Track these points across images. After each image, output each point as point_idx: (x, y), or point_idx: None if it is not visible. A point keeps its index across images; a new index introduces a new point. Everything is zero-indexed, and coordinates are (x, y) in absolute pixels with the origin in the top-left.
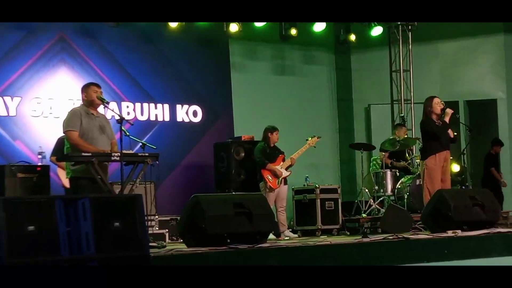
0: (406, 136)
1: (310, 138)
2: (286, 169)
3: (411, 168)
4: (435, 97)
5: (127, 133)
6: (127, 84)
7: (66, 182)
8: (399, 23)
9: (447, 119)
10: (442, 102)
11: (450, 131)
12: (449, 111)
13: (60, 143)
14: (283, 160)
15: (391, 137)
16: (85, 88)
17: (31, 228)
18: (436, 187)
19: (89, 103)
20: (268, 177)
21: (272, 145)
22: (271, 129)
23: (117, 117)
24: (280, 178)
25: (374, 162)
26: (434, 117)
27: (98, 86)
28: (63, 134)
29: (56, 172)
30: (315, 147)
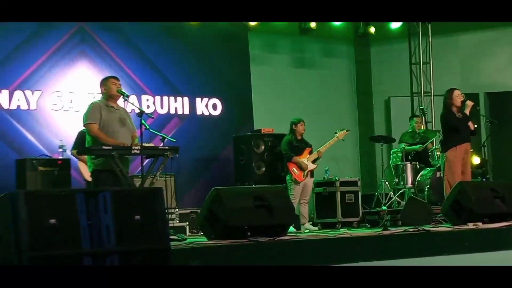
0: (421, 128)
1: (339, 131)
2: (313, 162)
3: (431, 161)
4: (455, 89)
5: (147, 127)
6: (147, 76)
7: (87, 176)
8: None
9: (467, 111)
10: (463, 94)
11: (470, 124)
12: (469, 103)
13: (80, 136)
14: (310, 153)
15: (409, 130)
16: (104, 81)
17: (52, 221)
18: (456, 179)
19: (109, 96)
20: (294, 170)
21: (299, 137)
22: (296, 121)
23: (137, 111)
24: (306, 171)
25: (394, 154)
26: (454, 109)
27: (117, 79)
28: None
29: (77, 165)
30: (343, 140)
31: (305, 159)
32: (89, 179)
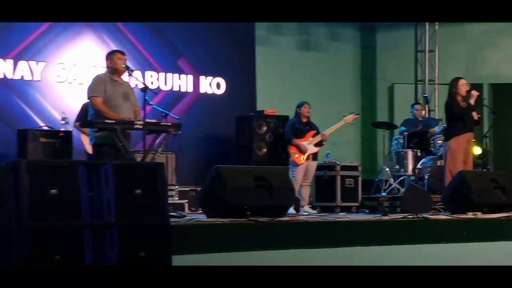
0: (422, 115)
1: (347, 115)
2: (318, 144)
3: (432, 149)
4: (461, 78)
5: (151, 102)
6: (153, 51)
7: (89, 148)
8: None
9: (472, 101)
10: (468, 84)
11: (474, 113)
12: (474, 93)
13: (84, 109)
14: (314, 136)
15: (411, 118)
16: (110, 55)
17: (53, 191)
18: (458, 168)
19: (114, 71)
20: (293, 152)
21: (304, 120)
22: (299, 104)
23: (141, 86)
24: (306, 154)
25: (396, 141)
26: (459, 98)
27: (123, 53)
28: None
29: (80, 138)
30: (352, 124)
31: (307, 142)
32: (91, 151)
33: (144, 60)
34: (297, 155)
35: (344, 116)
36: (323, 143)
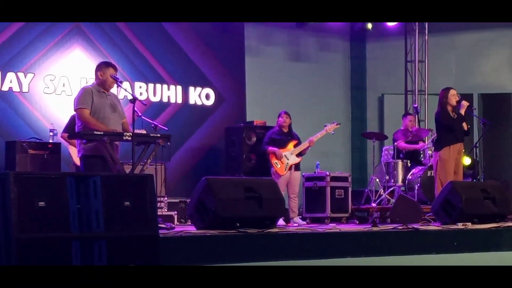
0: (414, 126)
1: (328, 124)
2: (299, 155)
3: (422, 159)
4: (451, 88)
5: (139, 114)
6: (141, 63)
7: (78, 160)
8: None
9: (462, 111)
10: (458, 94)
11: (464, 124)
12: (465, 103)
13: (73, 120)
14: (295, 146)
15: (402, 128)
16: (103, 68)
17: (41, 203)
18: (448, 178)
19: (103, 83)
20: (276, 163)
21: (285, 130)
22: (279, 114)
23: (130, 97)
24: (287, 164)
25: (385, 152)
26: (449, 108)
27: (115, 69)
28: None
29: (67, 149)
30: (333, 133)
31: (289, 152)
32: (79, 163)
33: (133, 71)
34: (279, 166)
35: (325, 126)
36: (303, 153)
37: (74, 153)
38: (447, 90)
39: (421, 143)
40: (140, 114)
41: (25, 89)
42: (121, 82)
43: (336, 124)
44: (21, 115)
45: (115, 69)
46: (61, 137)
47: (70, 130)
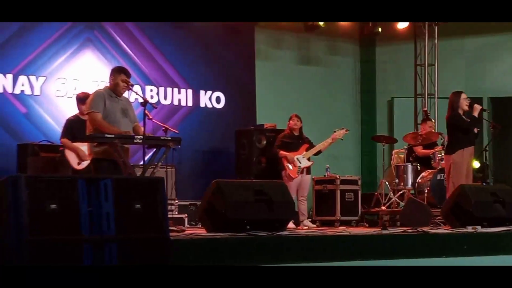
0: (431, 130)
1: (337, 130)
2: (321, 151)
3: (432, 163)
4: (462, 92)
5: (150, 117)
6: (153, 66)
7: (75, 164)
8: None
9: (476, 114)
10: (468, 98)
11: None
12: (477, 106)
13: (69, 123)
14: (307, 149)
15: (413, 131)
16: (116, 74)
17: (53, 206)
18: (461, 181)
19: (114, 88)
20: (288, 165)
21: (296, 133)
22: (290, 117)
23: (141, 100)
24: (299, 168)
25: (396, 155)
26: (460, 112)
27: (128, 75)
28: (72, 115)
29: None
30: (342, 139)
31: (301, 155)
32: (77, 167)
33: (144, 74)
34: (292, 169)
35: (334, 131)
36: (322, 151)
37: (72, 158)
38: (458, 94)
39: (436, 147)
40: (151, 117)
41: (36, 92)
42: (132, 85)
43: (346, 130)
44: (32, 118)
45: (128, 74)
46: (61, 142)
47: (68, 133)
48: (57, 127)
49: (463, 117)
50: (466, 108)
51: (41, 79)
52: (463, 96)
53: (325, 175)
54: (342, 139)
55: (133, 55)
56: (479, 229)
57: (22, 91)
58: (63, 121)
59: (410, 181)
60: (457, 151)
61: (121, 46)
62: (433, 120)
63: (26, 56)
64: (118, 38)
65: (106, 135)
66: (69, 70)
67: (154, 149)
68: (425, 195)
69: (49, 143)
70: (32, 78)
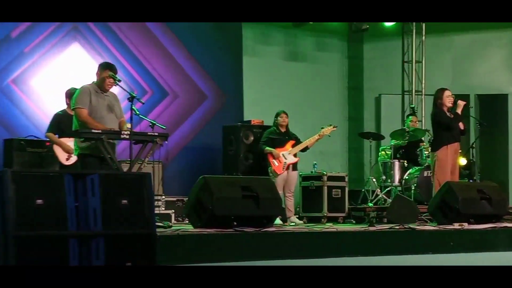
0: (416, 127)
1: (325, 127)
2: (308, 148)
3: (419, 160)
4: (446, 89)
5: (137, 112)
6: (137, 64)
7: (63, 159)
8: None
9: (459, 111)
10: (453, 95)
11: (460, 123)
12: (461, 102)
13: (57, 118)
14: (293, 146)
15: (400, 128)
16: (102, 69)
17: (39, 201)
18: (446, 178)
19: (100, 83)
20: (274, 161)
21: (283, 130)
22: (277, 113)
23: (128, 96)
24: (285, 163)
25: (383, 152)
26: (444, 109)
27: (114, 70)
28: (60, 110)
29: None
30: (329, 136)
31: (287, 152)
32: (65, 162)
33: (130, 71)
34: (277, 165)
35: (322, 128)
36: (309, 147)
37: (59, 152)
38: (442, 90)
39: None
40: (137, 112)
41: (26, 87)
42: (119, 80)
43: (333, 127)
44: (19, 113)
45: (114, 70)
46: (46, 136)
47: (55, 128)
48: (44, 123)
49: (446, 113)
50: (449, 104)
51: (30, 74)
52: (447, 93)
53: (312, 172)
54: (329, 136)
55: (117, 52)
56: (466, 226)
57: (11, 84)
58: (50, 117)
59: (397, 178)
60: (441, 147)
61: (106, 42)
62: (417, 116)
63: (14, 53)
64: (104, 35)
65: (93, 131)
66: (56, 67)
67: (141, 145)
68: (412, 191)
69: (36, 139)
70: (21, 72)
